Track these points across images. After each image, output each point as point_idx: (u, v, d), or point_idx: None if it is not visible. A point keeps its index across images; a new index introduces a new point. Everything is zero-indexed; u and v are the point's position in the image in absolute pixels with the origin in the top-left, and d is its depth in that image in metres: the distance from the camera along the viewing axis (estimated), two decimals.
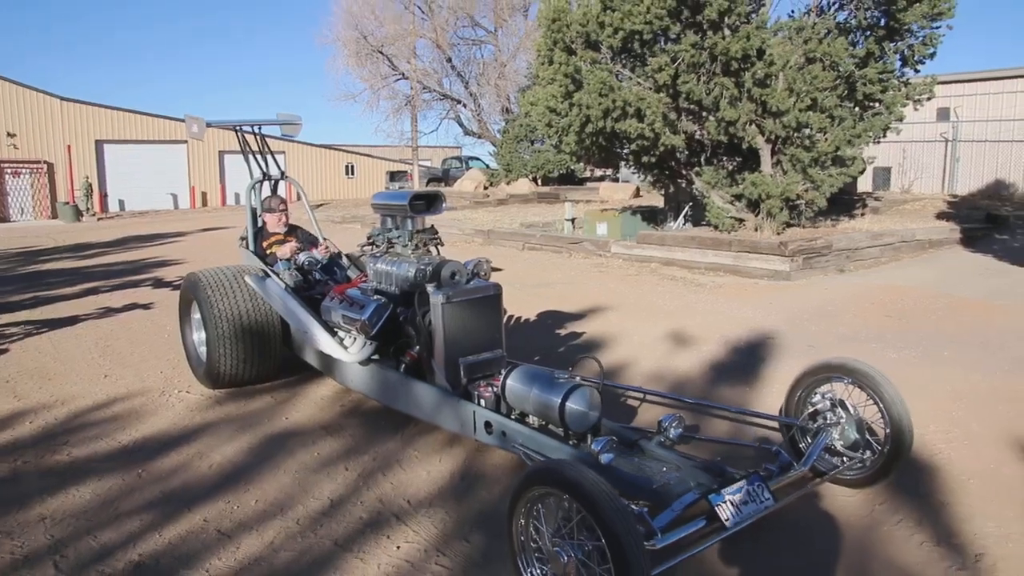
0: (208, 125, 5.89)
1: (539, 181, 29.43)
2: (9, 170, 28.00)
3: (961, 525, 3.29)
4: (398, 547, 3.19)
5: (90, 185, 28.26)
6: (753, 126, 10.57)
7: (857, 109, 11.49)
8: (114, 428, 4.75)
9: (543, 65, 11.53)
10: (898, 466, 3.42)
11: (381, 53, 32.20)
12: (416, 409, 4.25)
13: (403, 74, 33.07)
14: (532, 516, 2.59)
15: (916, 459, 3.91)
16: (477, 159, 36.67)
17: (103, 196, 29.94)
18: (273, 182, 6.22)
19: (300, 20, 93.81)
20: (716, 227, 11.90)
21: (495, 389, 3.96)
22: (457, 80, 34.16)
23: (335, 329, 4.75)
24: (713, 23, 9.87)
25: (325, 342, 4.66)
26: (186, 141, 32.23)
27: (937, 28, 11.16)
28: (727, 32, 10.04)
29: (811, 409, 3.61)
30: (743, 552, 3.10)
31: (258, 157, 6.13)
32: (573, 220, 15.19)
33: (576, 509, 2.41)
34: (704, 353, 6.28)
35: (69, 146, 29.10)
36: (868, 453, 3.46)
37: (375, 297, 4.46)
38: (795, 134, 10.86)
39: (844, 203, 15.80)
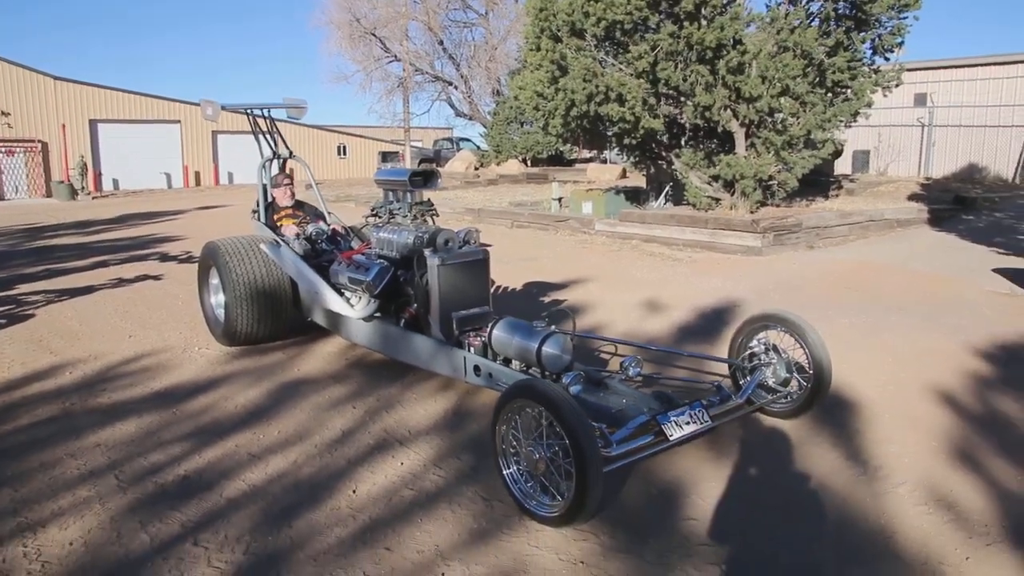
0: (223, 108, 6.46)
1: (528, 162, 30.04)
2: (3, 149, 28.35)
3: (870, 447, 3.96)
4: (401, 463, 3.84)
5: (85, 164, 28.63)
6: (728, 111, 11.21)
7: (828, 95, 12.12)
8: (145, 377, 5.37)
9: (531, 51, 12.12)
10: (820, 400, 4.09)
11: (374, 35, 32.67)
12: (414, 358, 4.90)
13: (395, 56, 33.56)
14: (511, 425, 3.24)
15: (842, 400, 4.59)
16: (468, 140, 37.25)
17: (97, 175, 30.34)
18: (281, 160, 6.80)
19: (290, 4, 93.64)
20: (694, 206, 12.56)
21: (483, 338, 4.60)
22: (449, 62, 34.75)
23: (342, 290, 5.38)
24: (690, 14, 10.48)
25: (333, 301, 5.30)
26: (179, 121, 32.63)
27: (905, 19, 11.79)
28: (703, 22, 10.65)
29: (749, 351, 4.27)
30: (691, 463, 3.76)
31: (268, 137, 6.72)
32: (560, 199, 15.81)
33: (545, 416, 3.06)
34: (673, 317, 6.93)
35: (63, 125, 29.45)
36: (795, 388, 4.13)
37: (378, 261, 5.09)
38: (768, 118, 11.51)
39: (820, 184, 16.47)
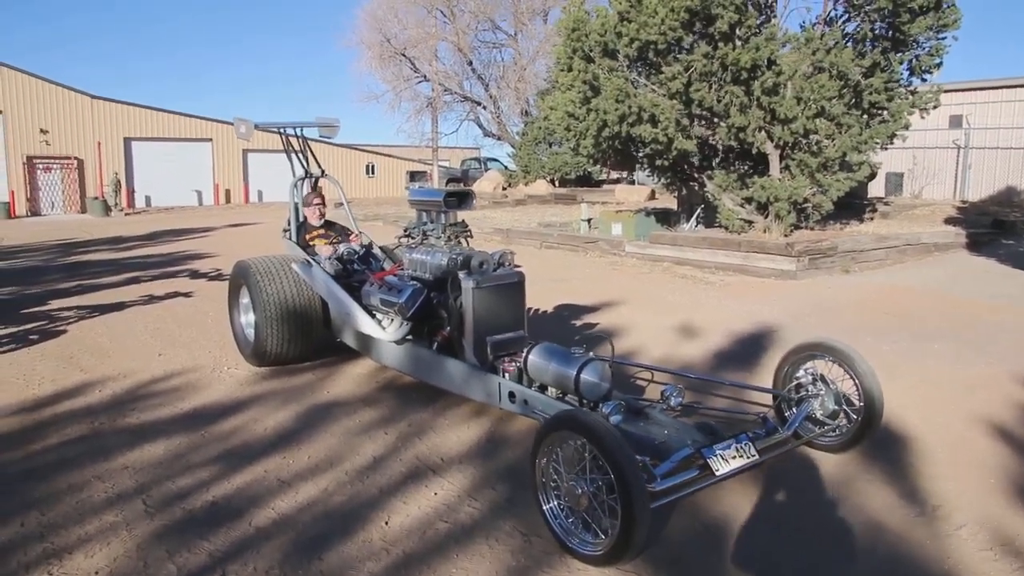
0: (256, 127, 6.45)
1: (556, 182, 29.97)
2: (41, 166, 28.90)
3: (925, 484, 3.77)
4: (435, 493, 3.72)
5: (118, 181, 29.07)
6: (762, 132, 11.05)
7: (864, 116, 11.92)
8: (174, 398, 5.31)
9: (562, 72, 12.07)
10: (871, 433, 3.92)
11: (404, 56, 32.91)
12: (447, 383, 4.78)
13: (425, 76, 33.78)
14: (551, 457, 3.11)
15: (892, 432, 4.40)
16: (495, 160, 37.32)
17: (130, 192, 30.76)
18: (313, 179, 6.77)
19: (319, 24, 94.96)
20: (727, 228, 12.38)
21: (518, 364, 4.49)
22: (477, 83, 34.90)
23: (374, 312, 5.30)
24: (724, 35, 10.37)
25: (365, 323, 5.21)
26: (211, 139, 33.05)
27: (943, 39, 11.59)
28: (738, 43, 10.53)
29: (795, 382, 4.11)
30: (737, 499, 3.60)
31: (300, 156, 6.69)
32: (589, 220, 15.69)
33: (589, 450, 2.92)
34: (709, 343, 6.77)
35: (99, 143, 29.93)
36: (844, 421, 3.96)
37: (411, 282, 5.00)
38: (803, 140, 11.33)
39: (854, 207, 16.21)
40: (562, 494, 3.09)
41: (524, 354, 4.45)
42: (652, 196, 23.32)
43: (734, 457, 3.43)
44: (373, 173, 37.45)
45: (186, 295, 9.52)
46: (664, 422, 3.87)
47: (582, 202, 17.98)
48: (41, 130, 28.93)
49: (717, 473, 3.31)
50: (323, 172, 6.72)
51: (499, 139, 35.33)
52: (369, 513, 3.53)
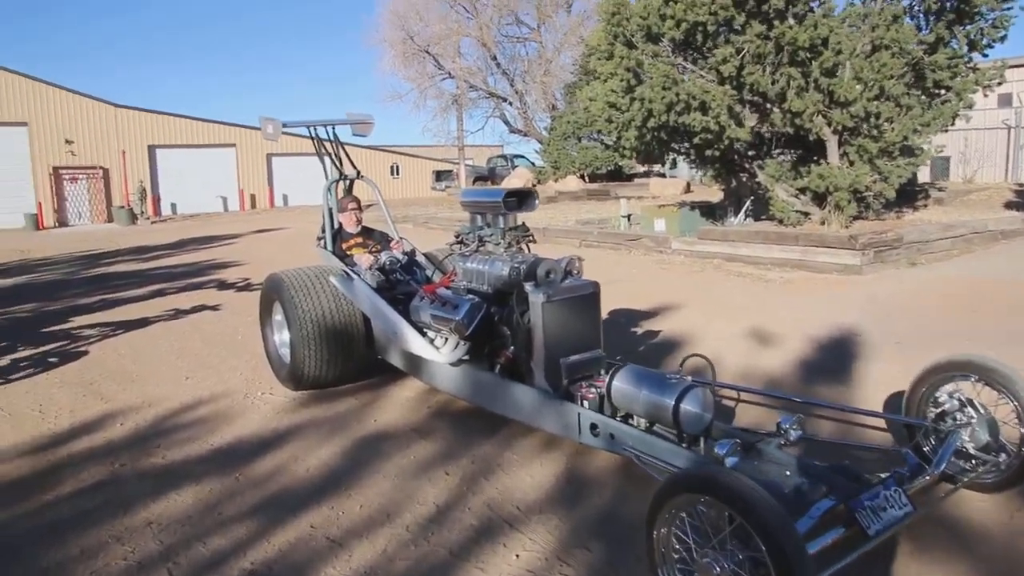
0: (284, 126, 5.89)
1: (586, 178, 29.24)
2: (67, 176, 28.73)
3: None
4: (517, 556, 3.10)
5: (144, 189, 28.83)
6: (819, 117, 10.30)
7: (924, 97, 11.16)
8: (204, 431, 4.74)
9: (601, 60, 11.39)
10: None
11: (427, 53, 32.33)
12: (514, 411, 4.16)
13: (449, 73, 33.17)
14: (675, 525, 2.48)
15: None
16: (522, 157, 36.60)
17: (156, 200, 30.52)
18: (348, 182, 6.19)
19: (341, 25, 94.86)
20: (780, 221, 11.65)
21: (598, 389, 3.87)
22: (502, 78, 34.20)
23: (425, 329, 4.69)
24: (779, 12, 9.63)
25: (417, 343, 4.60)
26: (234, 144, 32.72)
27: (1008, 10, 10.79)
28: (792, 21, 9.79)
29: (937, 409, 3.43)
30: (878, 559, 2.94)
31: (332, 157, 6.12)
32: (629, 216, 15.02)
33: (729, 518, 2.29)
34: (789, 351, 6.09)
35: (123, 151, 29.70)
36: (1003, 456, 3.28)
37: (468, 296, 4.38)
38: (863, 124, 10.56)
39: (907, 194, 15.36)
40: (691, 570, 2.46)
41: (607, 378, 3.84)
42: (688, 189, 22.54)
43: (885, 509, 2.78)
44: (398, 174, 36.92)
45: (214, 308, 8.99)
46: (785, 462, 3.22)
47: (619, 198, 17.31)
48: (66, 140, 28.74)
49: (871, 532, 2.67)
50: (359, 174, 6.14)
51: (525, 135, 34.60)
52: None
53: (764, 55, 9.76)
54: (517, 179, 28.78)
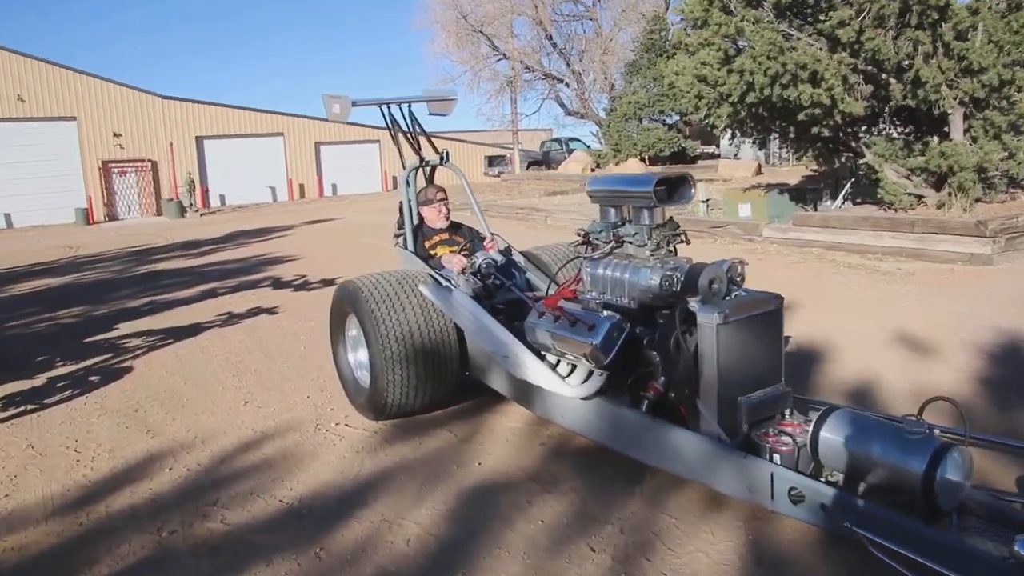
0: (354, 104, 4.98)
1: (648, 160, 27.96)
2: (116, 170, 28.39)
3: None
4: None
5: (192, 181, 28.37)
6: (945, 87, 9.04)
7: None
8: (270, 479, 3.83)
9: (686, 32, 10.25)
10: None
11: (481, 33, 31.24)
12: (670, 462, 3.17)
13: (504, 54, 32.06)
14: None
15: None
16: (577, 140, 35.33)
17: (205, 191, 30.06)
18: (429, 169, 5.25)
19: (391, 6, 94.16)
20: (890, 205, 10.41)
21: (794, 438, 2.88)
22: (558, 58, 32.97)
23: (543, 353, 3.70)
24: None
25: (539, 373, 3.60)
26: (282, 133, 32.13)
27: None
28: None
29: None
30: None
31: (410, 138, 5.18)
32: (707, 201, 13.87)
33: None
34: (959, 366, 4.97)
35: (171, 143, 29.29)
36: None
37: (606, 314, 3.37)
38: (992, 95, 9.27)
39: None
40: None
41: (812, 426, 2.84)
42: (759, 171, 21.23)
43: None
44: (447, 160, 35.99)
45: (270, 312, 8.13)
46: None
47: (698, 181, 16.14)
48: (114, 134, 28.39)
49: None
50: (443, 158, 5.19)
51: (582, 117, 33.29)
52: None
53: (887, 16, 8.52)
54: (576, 163, 27.66)
